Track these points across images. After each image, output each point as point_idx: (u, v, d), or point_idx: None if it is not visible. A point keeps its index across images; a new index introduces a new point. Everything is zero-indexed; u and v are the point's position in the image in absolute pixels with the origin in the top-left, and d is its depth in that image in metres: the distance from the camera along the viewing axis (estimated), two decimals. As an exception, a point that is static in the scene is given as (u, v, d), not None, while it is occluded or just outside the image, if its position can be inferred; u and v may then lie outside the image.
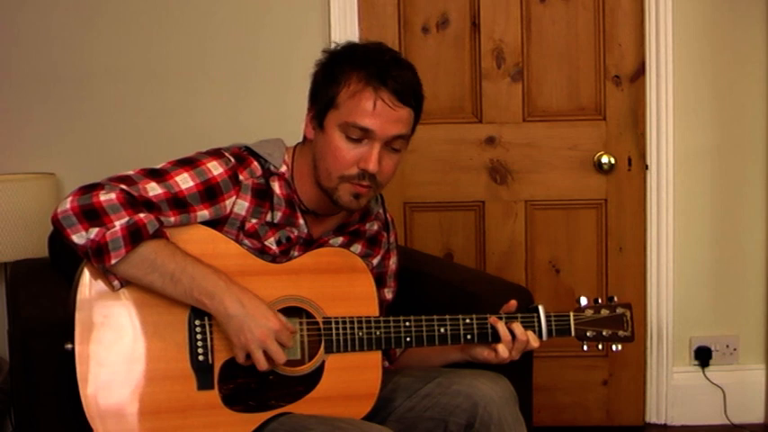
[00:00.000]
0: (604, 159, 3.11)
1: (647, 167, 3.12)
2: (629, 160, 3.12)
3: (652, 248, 3.14)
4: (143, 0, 3.06)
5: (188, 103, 3.08)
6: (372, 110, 1.84)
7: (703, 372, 3.19)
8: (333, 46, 1.96)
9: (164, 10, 3.07)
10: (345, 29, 3.03)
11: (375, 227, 2.10)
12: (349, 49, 1.93)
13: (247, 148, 1.95)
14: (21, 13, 3.05)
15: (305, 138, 1.97)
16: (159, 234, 1.77)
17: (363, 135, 1.85)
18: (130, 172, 1.85)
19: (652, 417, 3.21)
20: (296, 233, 1.96)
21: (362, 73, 1.85)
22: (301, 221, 1.97)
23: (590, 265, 3.18)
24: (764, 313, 3.20)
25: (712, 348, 3.19)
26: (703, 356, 3.19)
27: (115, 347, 1.78)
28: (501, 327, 1.92)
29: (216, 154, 1.91)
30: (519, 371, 2.09)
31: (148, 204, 1.79)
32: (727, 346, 3.20)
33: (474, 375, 1.91)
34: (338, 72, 1.88)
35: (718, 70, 3.11)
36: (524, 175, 3.15)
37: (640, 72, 3.09)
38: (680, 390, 3.19)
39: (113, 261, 1.74)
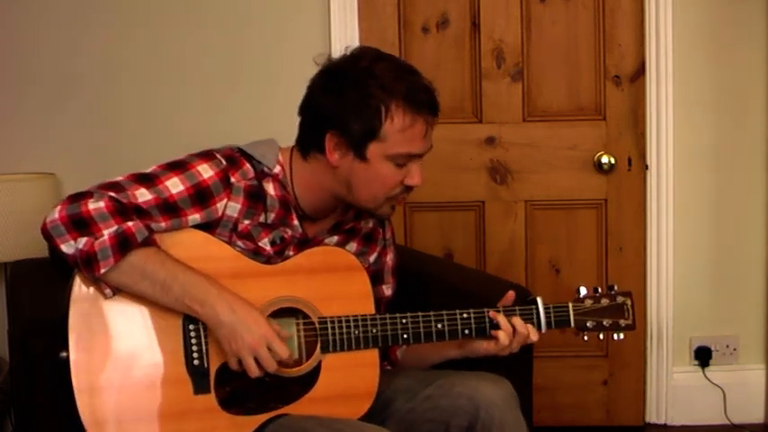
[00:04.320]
0: (604, 159, 3.11)
1: (647, 167, 3.12)
2: (629, 160, 3.12)
3: (652, 248, 3.14)
4: (142, 1, 3.07)
5: (188, 103, 3.08)
6: (423, 137, 1.89)
7: (703, 372, 3.19)
8: (332, 59, 1.90)
9: (164, 11, 3.07)
10: (345, 29, 3.03)
11: (370, 224, 2.09)
12: (369, 71, 1.85)
13: (240, 150, 1.93)
14: (20, 14, 3.05)
15: (304, 148, 1.92)
16: (149, 242, 1.76)
17: (411, 159, 1.88)
18: (120, 178, 1.83)
19: (652, 417, 3.21)
20: (290, 233, 1.94)
21: (405, 103, 1.84)
22: (296, 222, 1.95)
23: (590, 265, 3.17)
24: (764, 313, 3.20)
25: (712, 348, 3.19)
26: (703, 356, 3.19)
27: (110, 355, 1.77)
28: (502, 319, 1.89)
29: (207, 156, 1.89)
30: (519, 371, 2.08)
31: (138, 210, 1.78)
32: (727, 346, 3.20)
33: (475, 377, 1.90)
34: (374, 102, 1.82)
35: (719, 70, 3.11)
36: (524, 175, 3.15)
37: (640, 72, 3.08)
38: (680, 390, 3.19)
39: (102, 270, 1.73)
